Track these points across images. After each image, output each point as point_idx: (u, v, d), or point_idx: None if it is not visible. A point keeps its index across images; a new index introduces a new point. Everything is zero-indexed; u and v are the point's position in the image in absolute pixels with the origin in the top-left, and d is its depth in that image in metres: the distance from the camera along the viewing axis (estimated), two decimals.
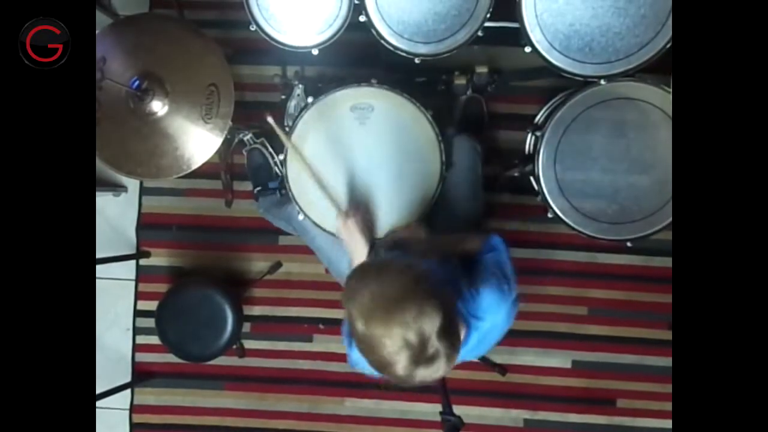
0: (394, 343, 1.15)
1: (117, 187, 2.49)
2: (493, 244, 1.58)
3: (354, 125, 1.82)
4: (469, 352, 1.45)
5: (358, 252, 1.69)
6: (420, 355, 1.16)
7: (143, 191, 2.51)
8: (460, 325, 1.34)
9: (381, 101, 1.80)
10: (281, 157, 1.85)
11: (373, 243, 1.73)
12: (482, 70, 2.23)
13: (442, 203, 1.84)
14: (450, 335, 1.19)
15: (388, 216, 1.85)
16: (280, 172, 1.91)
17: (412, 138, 1.82)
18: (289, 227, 2.10)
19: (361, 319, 1.19)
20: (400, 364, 1.17)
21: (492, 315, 1.43)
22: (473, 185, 1.94)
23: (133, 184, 2.51)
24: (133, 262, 2.51)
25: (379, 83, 1.80)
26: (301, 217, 1.88)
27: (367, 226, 1.73)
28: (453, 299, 1.28)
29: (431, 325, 1.16)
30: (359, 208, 1.78)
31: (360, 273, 1.28)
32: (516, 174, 2.24)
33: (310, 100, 1.81)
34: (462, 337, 1.36)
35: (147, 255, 2.52)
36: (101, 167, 1.80)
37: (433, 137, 1.80)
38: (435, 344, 1.16)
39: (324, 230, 1.86)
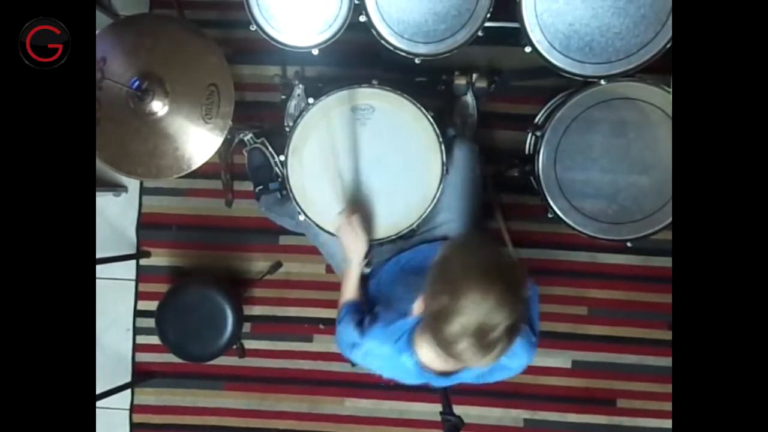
0: (475, 308, 1.14)
1: (117, 187, 2.49)
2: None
3: (355, 126, 1.82)
4: (475, 376, 1.44)
5: (357, 250, 1.70)
6: (482, 335, 1.15)
7: (143, 191, 2.51)
8: None
9: (382, 102, 1.80)
10: (282, 157, 1.85)
11: (370, 244, 1.74)
12: (482, 71, 2.23)
13: (442, 204, 1.84)
14: (513, 335, 1.18)
15: (389, 216, 1.85)
16: (281, 172, 1.91)
17: (413, 139, 1.82)
18: (293, 223, 2.10)
19: (464, 265, 1.18)
20: (462, 328, 1.15)
21: (516, 358, 1.45)
22: (473, 186, 1.93)
23: (133, 184, 2.51)
24: (133, 262, 2.51)
25: (379, 84, 1.80)
26: (301, 217, 1.88)
27: (367, 225, 1.74)
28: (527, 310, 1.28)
29: (511, 318, 1.15)
30: (360, 207, 1.79)
31: (478, 237, 1.29)
32: (516, 174, 2.24)
33: (310, 100, 1.81)
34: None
35: (147, 255, 2.52)
36: (101, 167, 1.80)
37: (433, 138, 1.80)
38: (499, 334, 1.15)
39: (324, 230, 1.86)
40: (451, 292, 1.15)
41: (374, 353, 1.50)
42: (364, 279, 1.79)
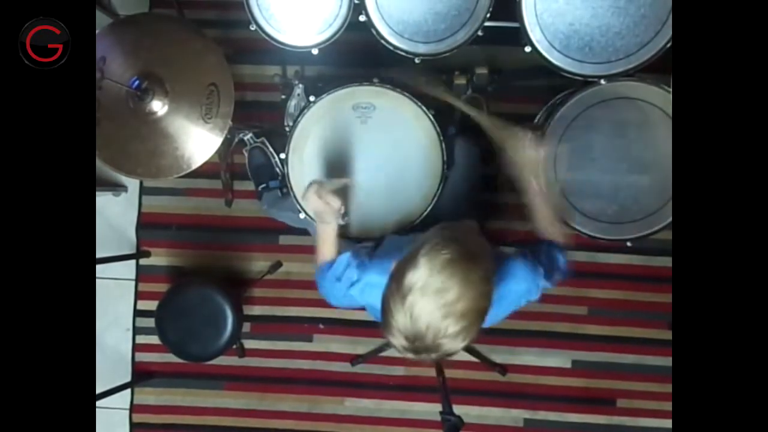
0: (412, 328, 1.13)
1: (117, 187, 2.49)
2: (554, 248, 1.57)
3: (356, 124, 1.82)
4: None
5: (330, 212, 1.58)
6: (417, 350, 1.16)
7: (143, 191, 2.51)
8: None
9: (383, 100, 1.81)
10: (283, 155, 1.85)
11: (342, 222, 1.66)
12: (482, 71, 2.23)
13: (442, 202, 1.84)
14: (452, 355, 1.18)
15: (389, 215, 1.85)
16: (281, 171, 1.91)
17: (414, 137, 1.82)
18: (296, 218, 2.09)
19: (421, 285, 1.14)
20: (398, 341, 1.16)
21: (511, 282, 1.43)
22: (473, 184, 1.94)
23: (133, 184, 2.51)
24: (133, 261, 2.52)
25: (381, 82, 1.80)
26: (302, 216, 1.88)
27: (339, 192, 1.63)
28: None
29: (452, 345, 1.15)
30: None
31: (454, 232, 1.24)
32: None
33: (312, 98, 1.81)
34: None
35: (147, 255, 2.52)
36: (101, 167, 1.80)
37: (434, 136, 1.80)
38: (434, 355, 1.16)
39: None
40: (400, 305, 1.15)
41: (375, 284, 1.46)
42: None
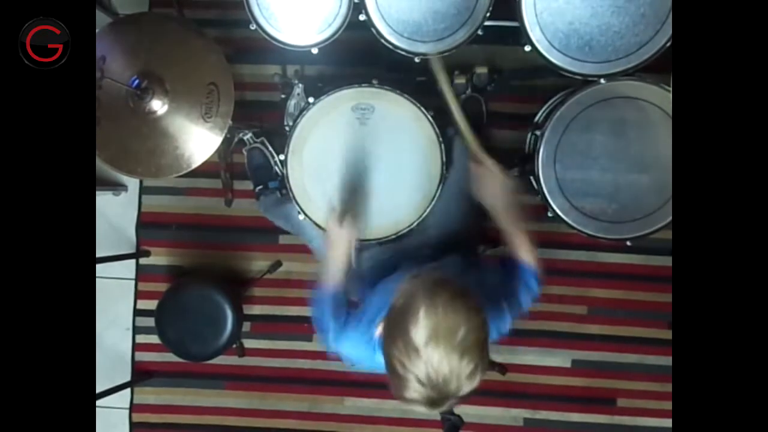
0: (432, 380, 1.13)
1: (117, 187, 2.49)
2: (524, 271, 1.59)
3: (355, 125, 1.82)
4: None
5: (349, 241, 1.64)
6: (434, 402, 1.16)
7: (143, 190, 2.51)
8: None
9: (382, 101, 1.80)
10: (282, 157, 1.85)
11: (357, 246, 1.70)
12: (482, 70, 2.23)
13: (442, 203, 1.84)
14: (468, 396, 1.18)
15: (389, 215, 1.85)
16: (281, 171, 1.91)
17: (413, 138, 1.82)
18: (288, 225, 2.10)
19: (429, 331, 1.13)
20: (415, 395, 1.16)
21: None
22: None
23: (133, 184, 2.51)
24: (133, 261, 2.52)
25: (380, 83, 1.80)
26: (301, 217, 1.88)
27: (358, 222, 1.70)
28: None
29: (469, 386, 1.15)
30: (354, 205, 1.78)
31: (453, 291, 1.20)
32: (516, 174, 2.24)
33: (311, 100, 1.81)
34: None
35: (147, 254, 2.52)
36: (101, 167, 1.80)
37: (433, 137, 1.80)
38: (453, 400, 1.17)
39: (323, 229, 1.86)
40: (411, 358, 1.14)
41: (351, 353, 1.53)
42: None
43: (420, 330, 1.13)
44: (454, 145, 1.88)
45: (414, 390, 1.15)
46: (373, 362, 1.42)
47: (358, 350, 1.48)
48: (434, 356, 1.12)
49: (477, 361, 1.14)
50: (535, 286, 1.59)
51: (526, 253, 1.60)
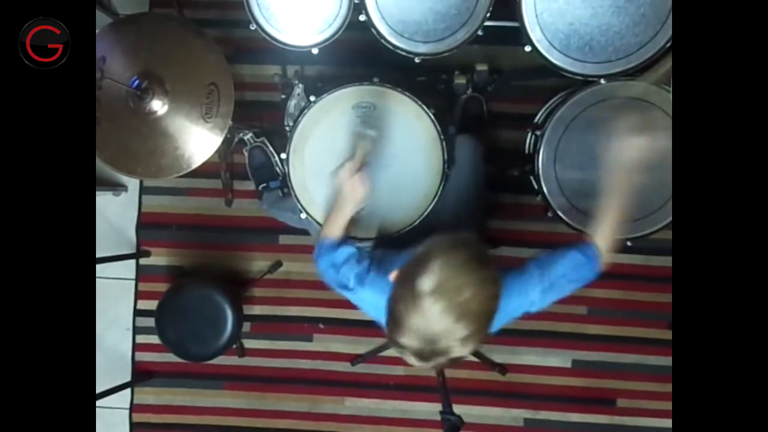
0: (426, 332, 1.14)
1: (117, 187, 2.49)
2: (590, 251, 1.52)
3: (356, 123, 1.82)
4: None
5: (360, 195, 1.60)
6: (425, 354, 1.16)
7: (143, 190, 2.51)
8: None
9: (383, 100, 1.80)
10: (283, 155, 1.85)
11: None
12: (482, 67, 2.23)
13: (444, 201, 1.84)
14: (459, 360, 1.18)
15: (390, 214, 1.85)
16: (281, 171, 1.91)
17: (414, 136, 1.82)
18: (296, 218, 2.09)
19: (434, 284, 1.14)
20: (408, 342, 1.16)
21: (520, 297, 1.44)
22: (475, 184, 1.93)
23: (133, 184, 2.51)
24: (133, 261, 2.52)
25: (381, 81, 1.80)
26: (303, 216, 1.88)
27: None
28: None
29: (461, 350, 1.15)
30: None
31: (470, 253, 1.20)
32: (516, 174, 2.24)
33: (312, 98, 1.81)
34: None
35: (147, 254, 2.52)
36: (101, 167, 1.80)
37: (435, 135, 1.80)
38: (443, 359, 1.16)
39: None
40: (411, 307, 1.14)
41: (369, 302, 1.50)
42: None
43: (428, 280, 1.14)
44: (455, 144, 1.88)
45: (406, 337, 1.16)
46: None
47: (380, 298, 1.38)
48: (433, 309, 1.12)
49: (474, 329, 1.14)
50: (592, 266, 1.52)
51: (604, 232, 1.52)
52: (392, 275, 1.27)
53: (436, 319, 1.13)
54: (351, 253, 1.56)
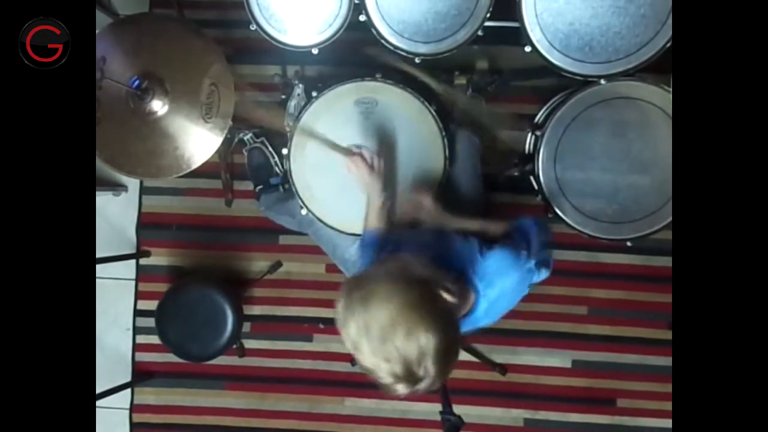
0: (382, 370, 1.16)
1: (117, 187, 2.49)
2: (523, 222, 1.57)
3: (358, 119, 1.82)
4: (477, 320, 1.40)
5: (372, 184, 1.67)
6: (408, 378, 1.15)
7: (143, 191, 2.51)
8: (461, 319, 1.33)
9: (385, 96, 1.81)
10: (285, 151, 1.85)
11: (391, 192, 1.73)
12: (483, 65, 2.23)
13: (445, 197, 1.84)
14: (444, 355, 1.14)
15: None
16: (281, 170, 1.92)
17: (416, 132, 1.82)
18: (293, 222, 2.10)
19: (351, 343, 1.19)
20: (385, 380, 1.18)
21: (501, 279, 1.38)
22: (475, 178, 1.94)
23: (133, 184, 2.51)
24: (133, 261, 2.52)
25: (383, 77, 1.80)
26: (304, 211, 1.89)
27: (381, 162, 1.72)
28: (453, 304, 1.23)
29: (420, 349, 1.12)
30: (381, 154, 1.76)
31: (347, 297, 1.20)
32: (516, 174, 2.24)
33: (314, 94, 1.81)
34: (468, 309, 1.35)
35: (147, 254, 2.52)
36: (101, 167, 1.80)
37: (436, 131, 1.80)
38: (425, 367, 1.14)
39: (326, 224, 1.86)
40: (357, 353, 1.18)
41: None
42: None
43: (349, 331, 1.17)
44: (457, 140, 1.88)
45: (382, 374, 1.17)
46: None
47: None
48: (366, 348, 1.15)
49: (410, 325, 1.12)
50: (536, 233, 1.56)
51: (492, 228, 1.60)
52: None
53: (376, 355, 1.15)
54: (373, 236, 1.64)
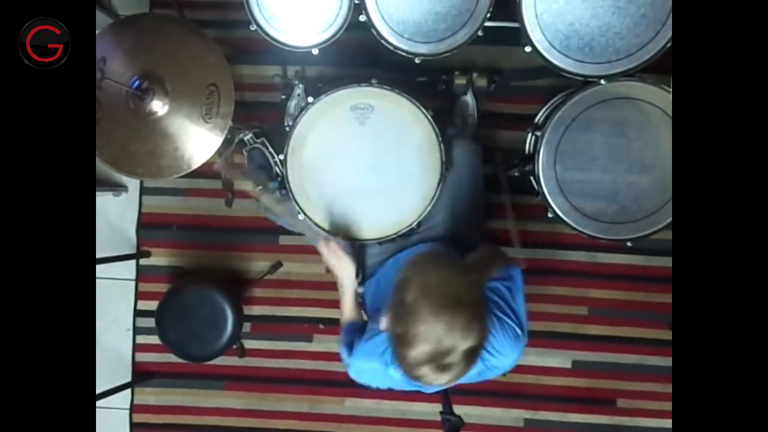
0: (428, 334, 1.20)
1: (117, 187, 2.49)
2: (512, 273, 1.59)
3: (354, 125, 1.82)
4: (467, 378, 1.42)
5: (345, 272, 1.74)
6: (438, 359, 1.21)
7: (143, 191, 2.51)
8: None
9: (381, 101, 1.80)
10: (281, 156, 1.85)
11: (359, 262, 1.79)
12: (481, 82, 2.23)
13: (443, 203, 1.84)
14: (473, 358, 1.24)
15: (389, 215, 1.85)
16: (281, 171, 1.92)
17: (412, 138, 1.82)
18: (292, 222, 2.10)
19: (418, 290, 1.23)
20: (419, 354, 1.21)
21: (503, 356, 1.49)
22: (474, 185, 1.93)
23: (133, 184, 2.51)
24: (133, 261, 2.52)
25: (379, 83, 1.80)
26: (301, 216, 1.88)
27: (349, 246, 1.79)
28: (488, 330, 1.32)
29: (466, 342, 1.21)
30: (339, 231, 1.84)
31: (439, 257, 1.35)
32: (516, 174, 2.24)
33: (310, 99, 1.81)
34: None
35: (147, 255, 2.52)
36: (101, 167, 1.80)
37: (433, 137, 1.80)
38: (456, 358, 1.21)
39: (322, 229, 1.87)
40: (407, 319, 1.22)
41: (364, 369, 1.56)
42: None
43: (410, 291, 1.23)
44: (453, 145, 1.88)
45: (414, 348, 1.21)
46: (387, 375, 1.46)
47: (371, 363, 1.51)
48: (424, 311, 1.20)
49: (468, 315, 1.21)
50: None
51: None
52: (383, 324, 1.35)
53: (434, 319, 1.19)
54: (352, 330, 1.70)
